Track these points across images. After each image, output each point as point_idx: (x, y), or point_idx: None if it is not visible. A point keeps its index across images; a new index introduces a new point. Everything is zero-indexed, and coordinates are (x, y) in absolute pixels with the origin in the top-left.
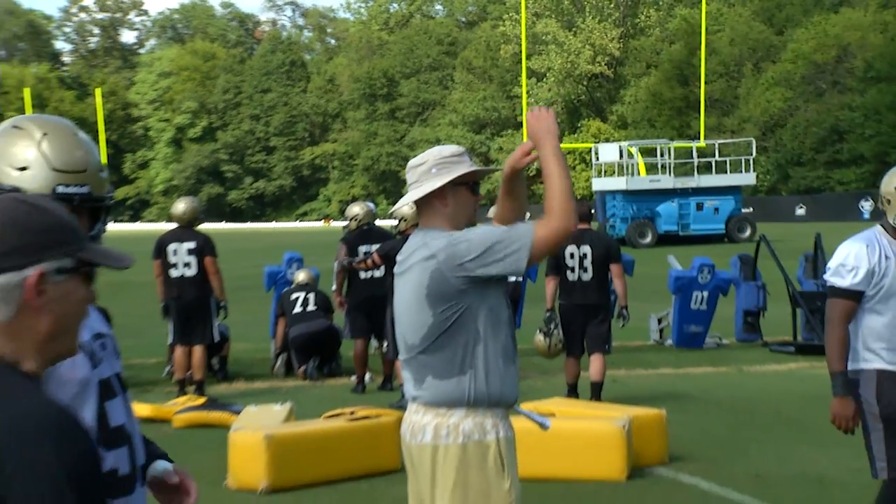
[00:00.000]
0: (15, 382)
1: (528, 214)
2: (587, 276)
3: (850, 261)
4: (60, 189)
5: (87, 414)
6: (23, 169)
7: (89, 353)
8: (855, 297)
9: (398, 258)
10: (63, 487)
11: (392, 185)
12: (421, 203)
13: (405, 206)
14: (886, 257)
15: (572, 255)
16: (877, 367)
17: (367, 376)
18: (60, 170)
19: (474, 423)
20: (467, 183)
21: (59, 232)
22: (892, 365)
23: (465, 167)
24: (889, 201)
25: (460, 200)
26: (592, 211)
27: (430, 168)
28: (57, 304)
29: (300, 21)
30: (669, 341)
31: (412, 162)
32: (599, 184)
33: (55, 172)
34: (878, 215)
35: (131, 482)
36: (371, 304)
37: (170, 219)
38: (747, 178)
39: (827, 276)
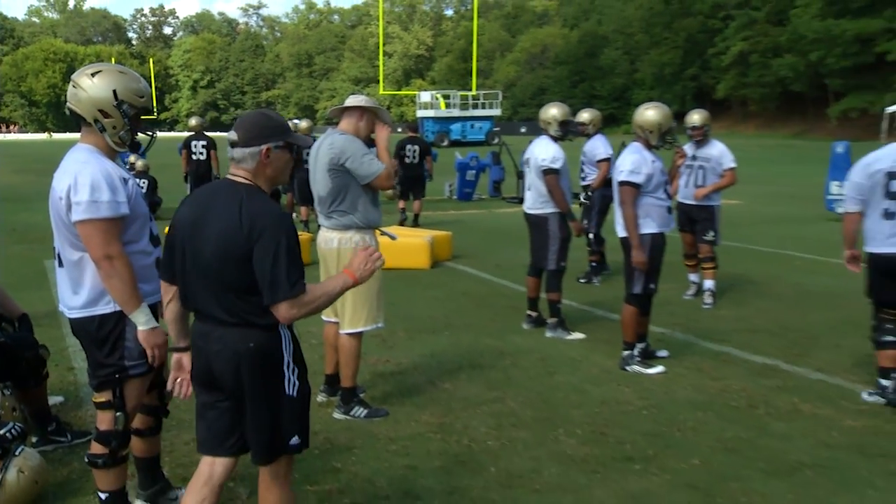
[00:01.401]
0: (260, 192)
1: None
2: (415, 161)
3: (638, 166)
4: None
5: (150, 228)
6: (142, 97)
7: (137, 193)
8: (638, 188)
9: (313, 148)
10: (282, 241)
11: (309, 114)
12: (347, 112)
13: (304, 121)
14: (653, 161)
15: (408, 150)
16: (651, 231)
17: (294, 215)
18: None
19: (360, 237)
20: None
21: (276, 127)
22: (661, 228)
23: (377, 107)
24: (652, 132)
25: (368, 122)
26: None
27: (363, 99)
28: (275, 161)
29: (261, 23)
30: (455, 197)
31: (358, 95)
32: (420, 113)
33: (150, 98)
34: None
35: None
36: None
37: (189, 129)
38: (496, 112)
39: (623, 177)
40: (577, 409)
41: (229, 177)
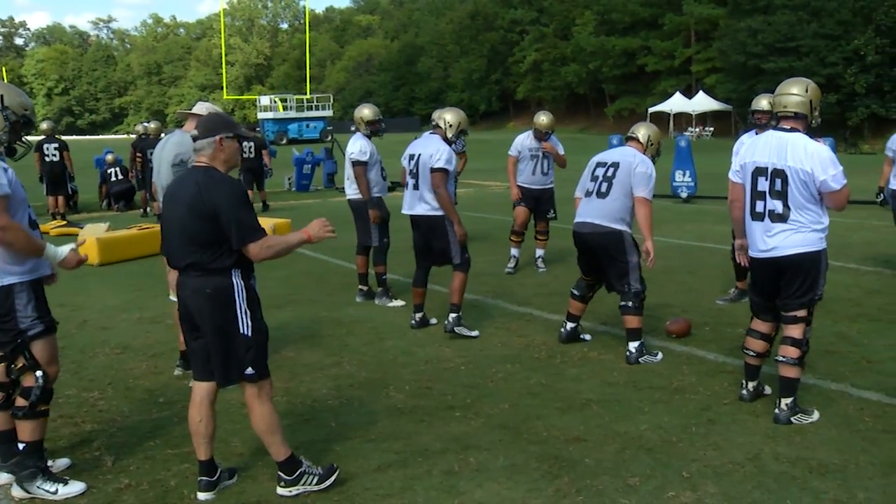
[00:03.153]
0: (214, 170)
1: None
2: (251, 155)
3: (451, 157)
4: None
5: (29, 213)
6: (26, 109)
7: (16, 181)
8: (448, 174)
9: (158, 146)
10: (234, 197)
11: (160, 117)
12: (193, 116)
13: (153, 123)
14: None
15: (246, 146)
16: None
17: (148, 209)
18: None
19: None
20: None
21: (225, 123)
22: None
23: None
24: (451, 126)
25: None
26: (257, 128)
27: (207, 106)
28: (227, 149)
29: (111, 35)
30: (294, 188)
31: (204, 102)
32: (261, 115)
33: (34, 114)
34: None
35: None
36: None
37: (41, 132)
38: (329, 113)
39: (441, 164)
40: (405, 368)
41: (193, 164)
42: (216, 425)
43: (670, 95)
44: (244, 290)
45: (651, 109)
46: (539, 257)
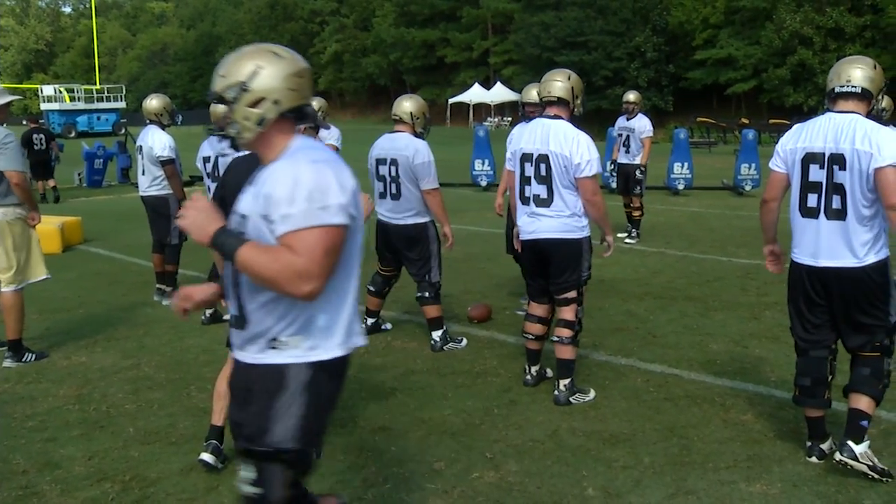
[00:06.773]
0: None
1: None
2: (42, 147)
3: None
4: None
5: None
6: None
7: None
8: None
9: None
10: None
11: None
12: None
13: None
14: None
15: (35, 138)
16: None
17: None
18: None
19: (22, 210)
20: None
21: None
22: None
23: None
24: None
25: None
26: (42, 121)
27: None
28: None
29: None
30: (85, 185)
31: None
32: (45, 106)
33: None
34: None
35: None
36: None
37: None
38: (121, 104)
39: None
40: (206, 367)
41: None
42: None
43: (469, 86)
44: None
45: (451, 100)
46: None
